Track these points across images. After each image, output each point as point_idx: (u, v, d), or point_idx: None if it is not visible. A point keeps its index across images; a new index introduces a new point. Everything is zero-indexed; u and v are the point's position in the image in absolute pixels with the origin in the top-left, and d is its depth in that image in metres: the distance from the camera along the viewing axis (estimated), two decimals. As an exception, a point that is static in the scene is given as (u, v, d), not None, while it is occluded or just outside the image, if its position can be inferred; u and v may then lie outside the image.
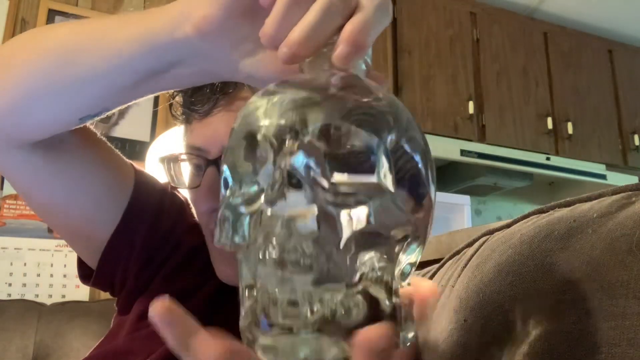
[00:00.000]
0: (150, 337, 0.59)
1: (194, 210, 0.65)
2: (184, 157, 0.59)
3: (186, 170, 0.60)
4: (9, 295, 1.87)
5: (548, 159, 2.67)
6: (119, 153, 0.62)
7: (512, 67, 2.77)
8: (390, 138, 0.29)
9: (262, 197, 0.28)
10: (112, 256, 0.61)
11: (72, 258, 2.00)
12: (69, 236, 0.63)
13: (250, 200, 0.29)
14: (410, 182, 0.30)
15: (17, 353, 1.48)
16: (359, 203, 0.27)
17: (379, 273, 0.28)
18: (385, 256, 0.28)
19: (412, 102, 2.46)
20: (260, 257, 0.27)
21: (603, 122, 2.94)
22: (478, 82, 2.66)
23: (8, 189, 1.96)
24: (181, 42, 0.37)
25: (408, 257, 0.29)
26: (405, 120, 0.30)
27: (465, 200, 2.39)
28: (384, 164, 0.28)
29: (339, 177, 0.28)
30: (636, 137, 2.98)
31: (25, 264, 1.93)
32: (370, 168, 0.28)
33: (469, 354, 0.38)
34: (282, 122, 0.28)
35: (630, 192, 0.34)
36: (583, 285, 0.31)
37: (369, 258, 0.28)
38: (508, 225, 0.43)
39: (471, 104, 2.57)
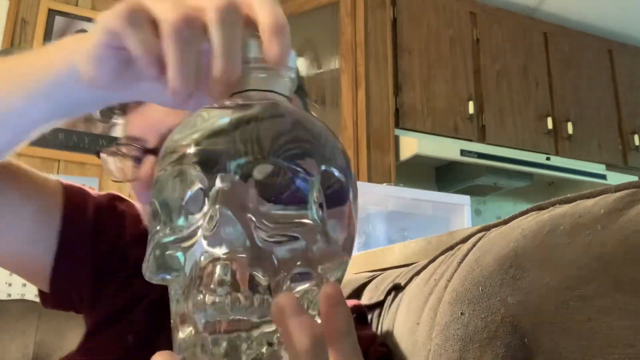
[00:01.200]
0: (93, 351, 0.59)
1: (144, 217, 0.60)
2: (122, 149, 0.57)
3: (126, 163, 0.57)
4: (9, 295, 1.87)
5: (548, 159, 2.67)
6: (43, 176, 0.60)
7: (512, 67, 2.77)
8: (322, 168, 0.29)
9: (198, 236, 0.28)
10: (61, 284, 0.60)
11: (72, 258, 2.00)
12: (17, 271, 0.62)
13: (184, 237, 0.28)
14: (339, 208, 0.30)
15: (17, 353, 1.48)
16: (292, 239, 0.28)
17: (310, 299, 0.29)
18: (316, 286, 0.29)
19: (412, 102, 2.45)
20: (199, 298, 0.27)
21: (603, 122, 2.94)
22: (478, 82, 2.65)
23: (8, 189, 1.96)
24: (76, 93, 0.39)
25: (335, 276, 0.30)
26: (332, 146, 0.30)
27: (465, 200, 2.38)
28: (316, 197, 0.28)
29: (272, 214, 0.28)
30: (636, 137, 2.98)
31: (25, 264, 1.93)
32: (303, 202, 0.28)
33: (467, 348, 0.38)
34: (213, 155, 0.28)
35: (635, 189, 0.33)
36: (594, 282, 0.30)
37: (302, 289, 0.28)
38: (505, 222, 0.42)
39: (471, 104, 2.57)
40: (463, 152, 2.43)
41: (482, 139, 2.58)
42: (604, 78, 3.02)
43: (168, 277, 0.29)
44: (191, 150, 0.28)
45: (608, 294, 0.29)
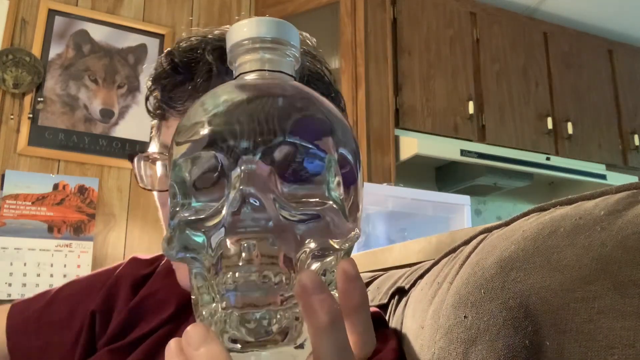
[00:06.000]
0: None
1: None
2: (157, 156, 0.54)
3: (155, 171, 0.56)
4: (9, 295, 1.87)
5: (548, 159, 2.67)
6: None
7: (512, 67, 2.77)
8: (339, 151, 0.30)
9: (222, 216, 0.28)
10: None
11: (72, 258, 1.99)
12: None
13: (207, 217, 0.29)
14: (352, 186, 0.31)
15: (17, 353, 1.48)
16: (313, 218, 0.29)
17: (329, 270, 0.30)
18: (334, 259, 0.30)
19: (412, 102, 2.46)
20: (229, 277, 0.28)
21: (603, 122, 2.94)
22: (478, 82, 2.66)
23: (8, 189, 1.96)
24: None
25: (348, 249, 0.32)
26: (343, 126, 0.31)
27: (465, 200, 2.38)
28: (334, 178, 0.30)
29: (293, 193, 0.29)
30: (636, 137, 2.98)
31: (25, 264, 1.93)
32: (322, 181, 0.29)
33: (470, 351, 0.38)
34: (233, 136, 0.28)
35: (635, 190, 0.33)
36: (594, 283, 0.30)
37: (321, 264, 0.30)
38: (507, 223, 0.42)
39: (471, 104, 2.57)
40: (463, 152, 2.43)
41: (482, 139, 2.59)
42: (604, 78, 3.02)
43: (191, 255, 0.30)
44: (210, 131, 0.29)
45: (608, 296, 0.29)
